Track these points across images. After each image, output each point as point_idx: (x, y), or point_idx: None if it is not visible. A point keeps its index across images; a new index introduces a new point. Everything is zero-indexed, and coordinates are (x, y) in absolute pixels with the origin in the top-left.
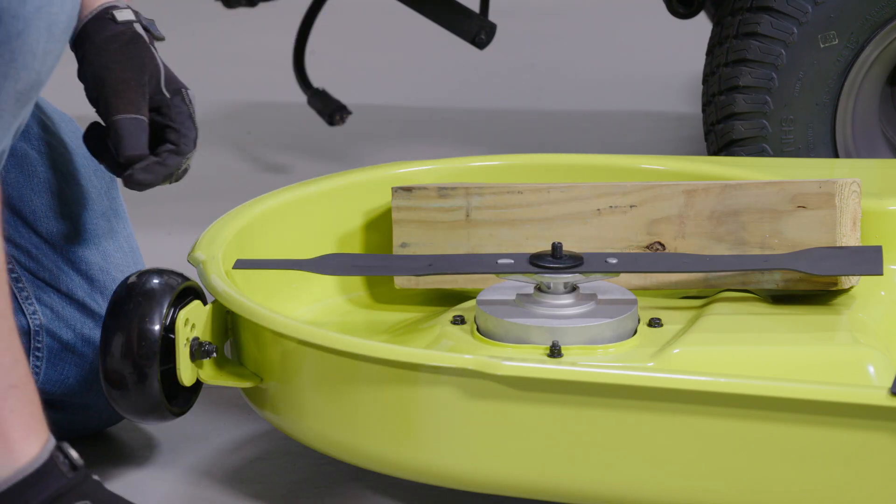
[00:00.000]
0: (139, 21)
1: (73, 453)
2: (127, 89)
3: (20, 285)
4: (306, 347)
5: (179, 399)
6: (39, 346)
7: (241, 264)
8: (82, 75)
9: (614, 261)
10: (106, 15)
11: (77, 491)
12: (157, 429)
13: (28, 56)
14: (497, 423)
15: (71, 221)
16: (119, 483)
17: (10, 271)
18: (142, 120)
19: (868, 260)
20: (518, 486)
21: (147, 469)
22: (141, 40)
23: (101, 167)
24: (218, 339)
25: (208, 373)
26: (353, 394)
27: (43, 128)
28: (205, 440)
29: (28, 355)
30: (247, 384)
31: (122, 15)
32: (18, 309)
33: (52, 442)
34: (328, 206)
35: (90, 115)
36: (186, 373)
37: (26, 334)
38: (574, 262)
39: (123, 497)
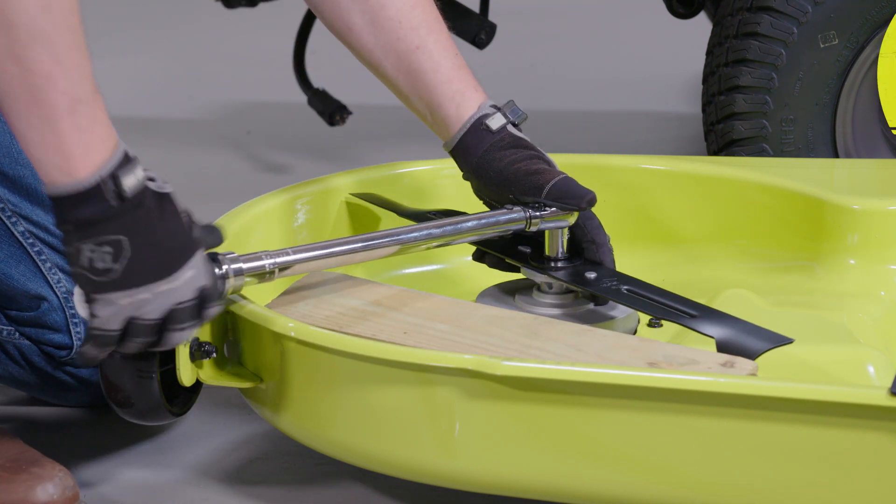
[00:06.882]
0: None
1: (129, 182)
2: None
3: (43, 257)
4: (306, 347)
5: (179, 399)
6: (73, 310)
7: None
8: (482, 186)
9: (592, 275)
10: (481, 126)
11: (116, 222)
12: (157, 429)
13: None
14: (496, 423)
15: None
16: (119, 483)
17: (32, 245)
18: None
19: (760, 339)
20: (518, 486)
21: (147, 469)
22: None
23: None
24: (218, 339)
25: (208, 373)
26: (352, 394)
27: None
28: (205, 440)
29: (67, 326)
30: (247, 384)
31: (495, 123)
32: (44, 280)
33: (110, 166)
34: (328, 205)
35: None
36: (186, 373)
37: (60, 309)
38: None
39: (182, 231)
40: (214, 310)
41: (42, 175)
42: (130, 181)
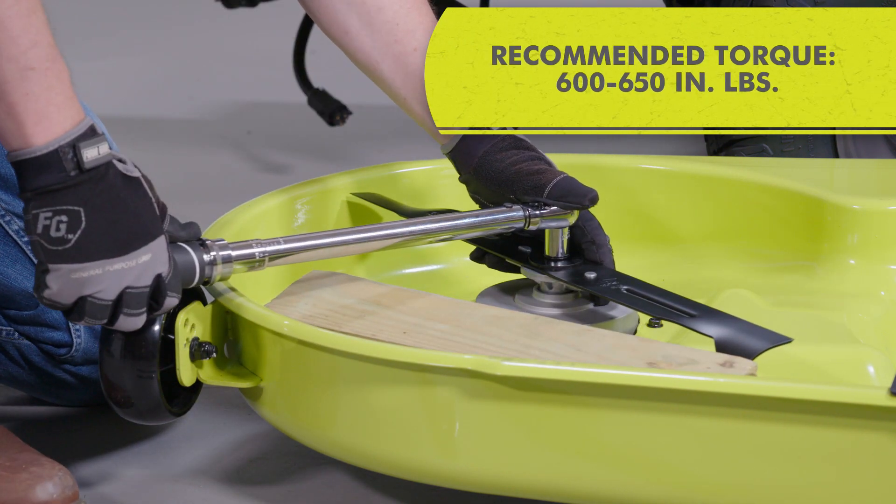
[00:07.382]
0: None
1: (90, 154)
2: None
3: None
4: (306, 347)
5: (179, 399)
6: None
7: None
8: (482, 188)
9: (592, 275)
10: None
11: (74, 192)
12: (157, 429)
13: None
14: (496, 423)
15: None
16: (119, 483)
17: (27, 244)
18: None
19: (759, 339)
20: (518, 486)
21: (147, 469)
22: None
23: None
24: (218, 339)
25: (208, 373)
26: (352, 394)
27: None
28: (205, 440)
29: (66, 323)
30: (247, 384)
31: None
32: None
33: (71, 136)
34: (328, 205)
35: None
36: (186, 373)
37: None
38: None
39: (146, 203)
40: (170, 300)
41: (2, 142)
42: (91, 153)
